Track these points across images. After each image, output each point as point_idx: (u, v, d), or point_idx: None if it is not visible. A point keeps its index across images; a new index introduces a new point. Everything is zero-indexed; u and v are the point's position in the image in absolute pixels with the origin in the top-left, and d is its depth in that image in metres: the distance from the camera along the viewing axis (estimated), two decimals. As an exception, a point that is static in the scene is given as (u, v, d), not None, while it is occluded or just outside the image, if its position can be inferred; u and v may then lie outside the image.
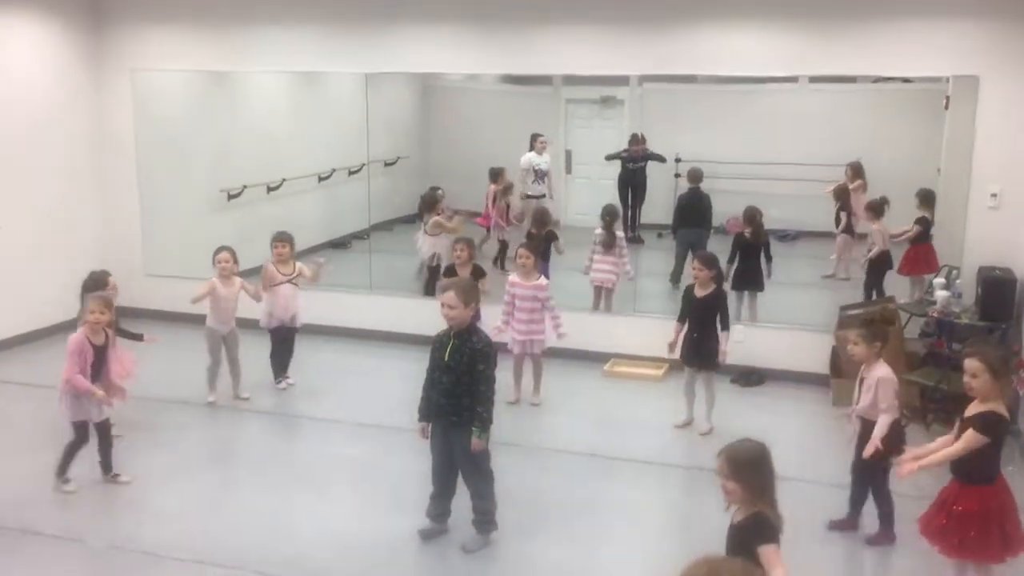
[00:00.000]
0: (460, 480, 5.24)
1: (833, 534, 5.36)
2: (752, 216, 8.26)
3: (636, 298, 8.76)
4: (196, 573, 4.96)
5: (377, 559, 5.12)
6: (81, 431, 5.82)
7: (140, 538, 5.28)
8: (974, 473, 4.32)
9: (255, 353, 7.72)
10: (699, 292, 6.66)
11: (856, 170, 8.89)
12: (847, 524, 5.38)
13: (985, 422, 4.22)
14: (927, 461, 4.37)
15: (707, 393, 6.83)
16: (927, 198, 7.91)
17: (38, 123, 8.88)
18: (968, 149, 7.34)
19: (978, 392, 4.28)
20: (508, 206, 10.23)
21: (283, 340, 7.73)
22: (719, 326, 6.68)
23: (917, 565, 4.99)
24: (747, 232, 8.23)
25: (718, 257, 6.92)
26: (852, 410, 5.23)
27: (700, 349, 6.72)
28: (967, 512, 4.31)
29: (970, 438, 4.21)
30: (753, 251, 8.30)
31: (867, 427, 5.11)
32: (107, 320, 5.75)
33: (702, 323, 6.68)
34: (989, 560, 4.35)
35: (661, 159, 9.72)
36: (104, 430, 5.91)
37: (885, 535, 5.27)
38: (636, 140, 9.70)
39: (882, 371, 5.03)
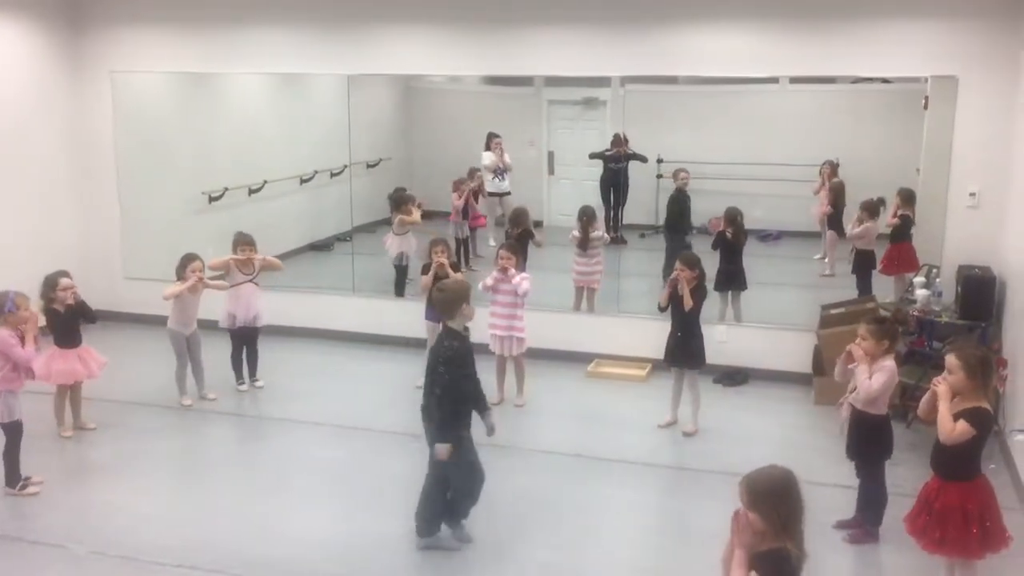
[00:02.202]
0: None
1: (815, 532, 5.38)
2: (733, 217, 8.31)
3: (619, 298, 8.77)
4: (179, 577, 4.94)
5: (359, 561, 5.10)
6: (13, 429, 5.81)
7: (121, 543, 5.24)
8: (954, 469, 4.36)
9: (227, 354, 7.72)
10: (681, 291, 6.69)
11: (834, 168, 8.98)
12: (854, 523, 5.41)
13: (975, 417, 4.26)
14: (940, 406, 4.29)
15: (691, 394, 6.84)
16: (909, 197, 7.98)
17: (15, 125, 8.79)
18: (947, 149, 7.39)
19: (955, 387, 4.34)
20: (464, 198, 10.25)
21: (246, 341, 7.69)
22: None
23: (905, 562, 5.03)
24: (728, 232, 8.27)
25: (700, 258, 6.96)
26: (845, 398, 5.26)
27: (684, 349, 6.75)
28: (947, 508, 4.35)
29: (961, 426, 4.24)
30: (735, 251, 8.34)
31: (858, 416, 5.14)
32: (28, 316, 5.81)
33: (685, 323, 6.71)
34: (969, 556, 4.39)
35: (643, 159, 9.77)
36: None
37: (868, 533, 5.29)
38: (618, 140, 9.74)
39: (887, 362, 5.06)
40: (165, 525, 5.48)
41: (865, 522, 5.33)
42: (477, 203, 10.49)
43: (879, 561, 5.19)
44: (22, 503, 5.74)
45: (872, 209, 8.17)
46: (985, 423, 4.31)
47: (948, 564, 4.55)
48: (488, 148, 10.49)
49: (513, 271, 7.11)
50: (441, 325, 5.17)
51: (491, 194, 10.55)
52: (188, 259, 7.15)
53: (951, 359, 4.35)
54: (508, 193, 10.47)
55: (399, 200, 9.40)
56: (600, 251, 8.73)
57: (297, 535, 5.36)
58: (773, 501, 3.12)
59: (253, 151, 10.51)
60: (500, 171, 10.47)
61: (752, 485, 3.17)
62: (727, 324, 8.20)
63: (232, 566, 5.01)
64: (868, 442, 5.18)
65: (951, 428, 4.25)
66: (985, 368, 4.34)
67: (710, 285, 7.18)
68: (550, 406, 7.44)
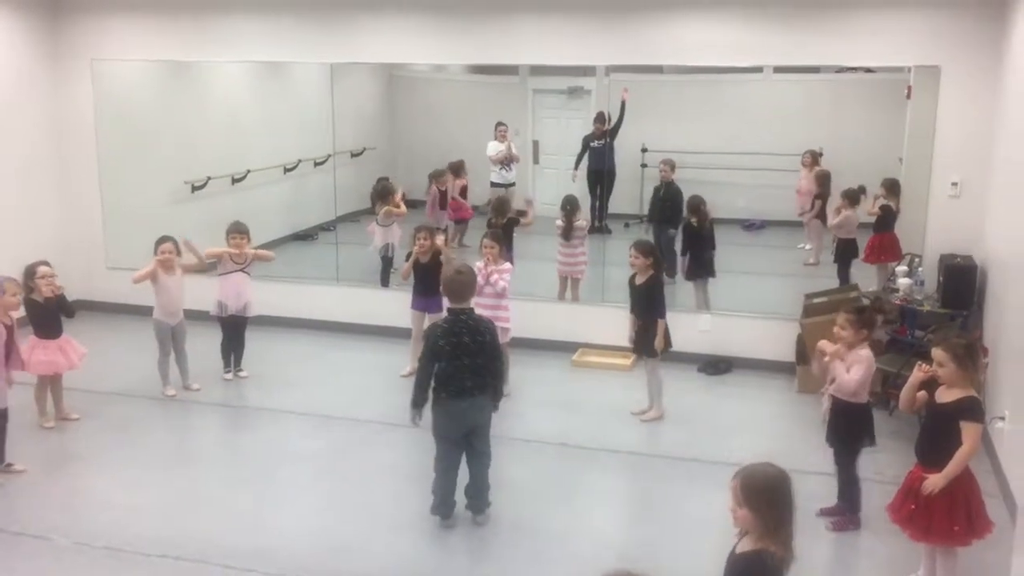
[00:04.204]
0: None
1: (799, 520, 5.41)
2: (696, 205, 8.34)
3: (604, 288, 8.79)
4: (162, 568, 4.92)
5: (345, 550, 5.10)
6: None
7: (106, 534, 5.22)
8: (939, 458, 4.37)
9: (213, 344, 7.69)
10: (637, 280, 6.73)
11: (815, 157, 9.01)
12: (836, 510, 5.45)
13: (973, 410, 4.31)
14: (949, 472, 4.29)
15: (651, 379, 6.89)
16: (893, 187, 8.01)
17: (-5, 114, 8.72)
18: (929, 138, 7.43)
19: (946, 379, 4.36)
20: (445, 194, 10.25)
21: (235, 330, 7.67)
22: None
23: (887, 549, 5.08)
24: (694, 221, 8.31)
25: (655, 245, 7.02)
26: (825, 388, 5.29)
27: (642, 337, 6.81)
28: (932, 497, 4.36)
29: (971, 430, 4.28)
30: (700, 240, 8.38)
31: (838, 406, 5.18)
32: (17, 303, 5.86)
33: (642, 311, 6.78)
34: (955, 543, 4.42)
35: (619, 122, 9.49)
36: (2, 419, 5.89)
37: (851, 520, 5.33)
38: (600, 119, 9.70)
39: (864, 352, 5.10)
40: (149, 516, 5.46)
41: (846, 509, 5.37)
42: (465, 197, 10.46)
43: (862, 547, 5.23)
44: (4, 495, 5.71)
45: (852, 197, 8.22)
46: (980, 410, 4.36)
47: (929, 550, 4.59)
48: (495, 138, 10.44)
49: (492, 267, 7.09)
50: (447, 311, 5.36)
51: (495, 184, 10.49)
52: (159, 241, 7.13)
53: (938, 352, 4.35)
54: (512, 184, 10.44)
55: (383, 191, 9.37)
56: (584, 241, 8.74)
57: (282, 525, 5.36)
58: (766, 500, 3.06)
59: (236, 140, 10.45)
60: (507, 162, 10.44)
61: (746, 481, 3.10)
62: (710, 313, 8.23)
63: (216, 556, 5.00)
64: (847, 430, 5.22)
65: (967, 451, 4.25)
66: (972, 355, 4.37)
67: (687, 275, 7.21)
68: (535, 395, 7.45)
